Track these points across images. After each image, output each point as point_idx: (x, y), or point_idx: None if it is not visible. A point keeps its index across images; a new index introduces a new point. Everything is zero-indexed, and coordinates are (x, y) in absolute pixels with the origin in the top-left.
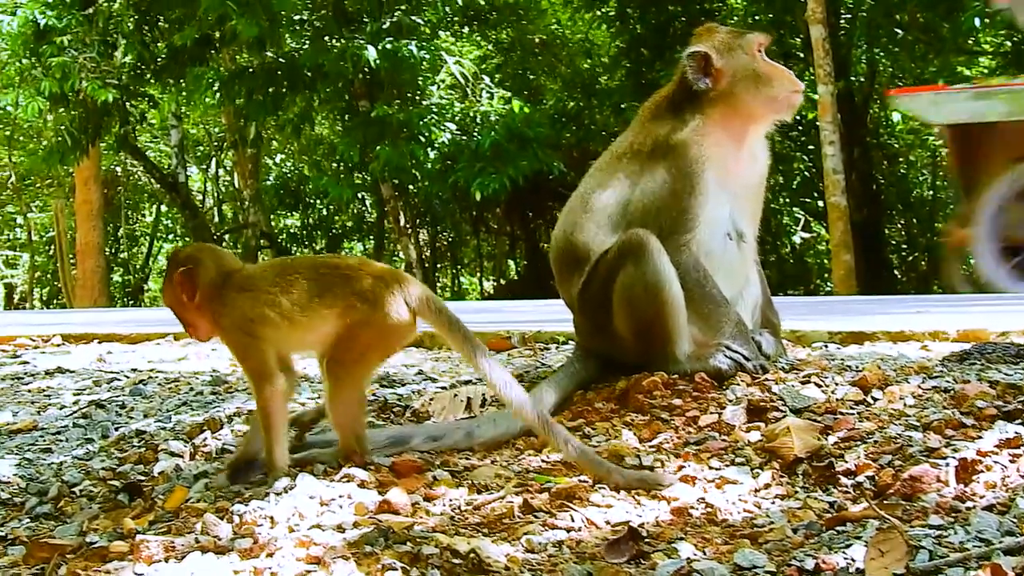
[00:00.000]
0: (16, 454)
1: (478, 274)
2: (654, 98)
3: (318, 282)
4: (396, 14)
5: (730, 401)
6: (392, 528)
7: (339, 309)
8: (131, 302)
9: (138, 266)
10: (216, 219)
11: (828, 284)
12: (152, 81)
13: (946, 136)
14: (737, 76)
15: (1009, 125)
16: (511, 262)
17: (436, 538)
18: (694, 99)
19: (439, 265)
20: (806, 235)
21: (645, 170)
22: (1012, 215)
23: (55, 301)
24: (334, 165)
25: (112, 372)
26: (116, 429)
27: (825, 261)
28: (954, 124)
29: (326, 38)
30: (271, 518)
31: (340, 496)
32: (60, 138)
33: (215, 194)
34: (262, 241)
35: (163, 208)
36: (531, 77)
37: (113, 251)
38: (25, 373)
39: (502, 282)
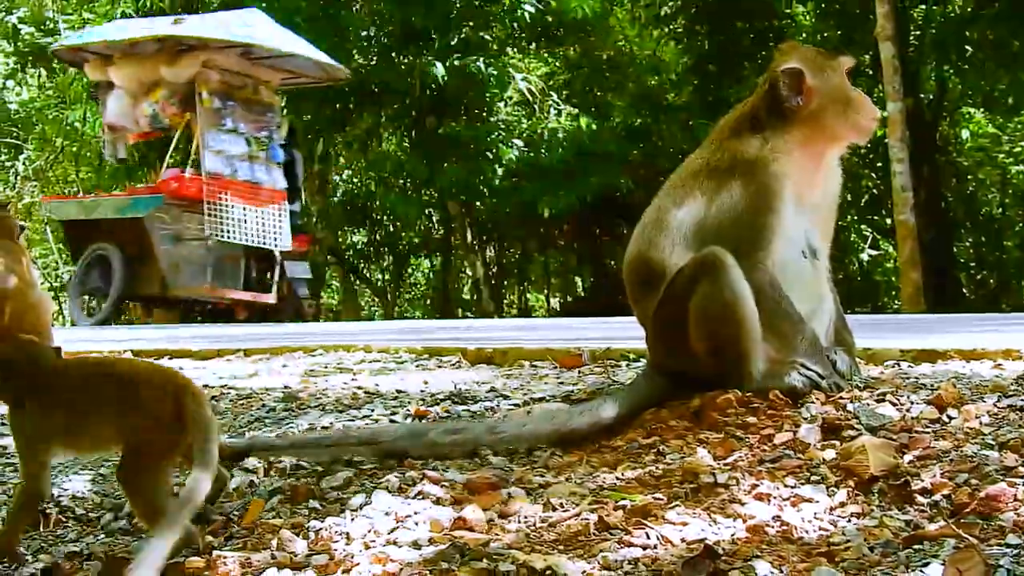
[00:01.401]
0: (90, 470)
1: (545, 291)
2: (732, 114)
3: (106, 390)
4: (464, 30)
5: (805, 419)
6: (468, 545)
7: (129, 419)
8: (198, 319)
9: None
10: None
11: (896, 302)
12: None
13: (63, 229)
14: (826, 97)
15: (79, 223)
16: (578, 279)
17: (512, 555)
18: (777, 116)
19: (505, 282)
20: (874, 252)
21: (722, 187)
22: (86, 278)
23: (122, 317)
24: (401, 182)
25: None
26: None
27: (893, 279)
28: (64, 220)
29: (393, 55)
30: (347, 534)
31: (415, 513)
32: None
33: None
34: (329, 257)
35: None
36: (598, 94)
37: None
38: None
39: (569, 299)
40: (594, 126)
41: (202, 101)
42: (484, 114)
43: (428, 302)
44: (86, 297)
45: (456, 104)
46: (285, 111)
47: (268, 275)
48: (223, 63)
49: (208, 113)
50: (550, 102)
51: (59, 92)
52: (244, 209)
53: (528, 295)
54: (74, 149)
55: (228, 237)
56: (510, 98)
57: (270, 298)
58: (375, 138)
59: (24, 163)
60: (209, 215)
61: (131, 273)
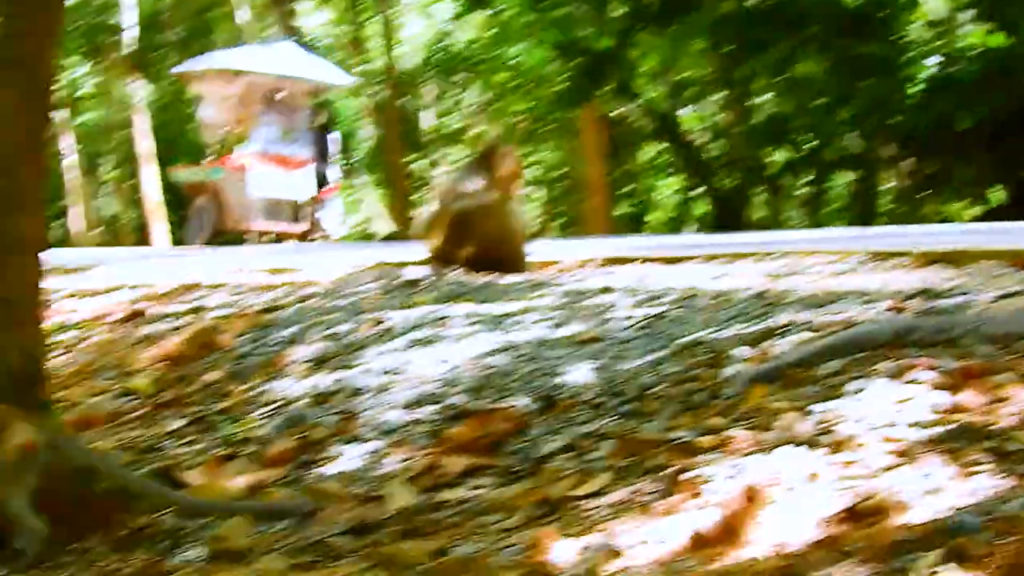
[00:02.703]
0: (592, 361)
1: (963, 202)
2: None
3: None
4: None
5: None
6: (973, 425)
7: None
8: (633, 231)
9: (639, 201)
10: (708, 156)
11: None
12: (644, 29)
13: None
14: None
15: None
16: (993, 192)
17: (1017, 436)
18: None
19: (922, 194)
20: None
21: None
22: None
23: (567, 232)
24: (819, 101)
25: (658, 290)
26: (677, 339)
27: None
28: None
29: None
30: (848, 417)
31: (913, 397)
32: (566, 85)
33: (706, 132)
34: (751, 174)
35: (659, 147)
36: (1009, 8)
37: (616, 186)
38: (578, 292)
39: (986, 212)
40: (1012, 39)
41: None
42: (897, 34)
43: (848, 214)
44: None
45: (871, 25)
46: None
47: None
48: None
49: None
50: (960, 19)
51: (502, 30)
52: None
53: (943, 207)
54: (514, 84)
55: None
56: (922, 17)
57: None
58: (794, 61)
59: (470, 99)
60: None
61: None
